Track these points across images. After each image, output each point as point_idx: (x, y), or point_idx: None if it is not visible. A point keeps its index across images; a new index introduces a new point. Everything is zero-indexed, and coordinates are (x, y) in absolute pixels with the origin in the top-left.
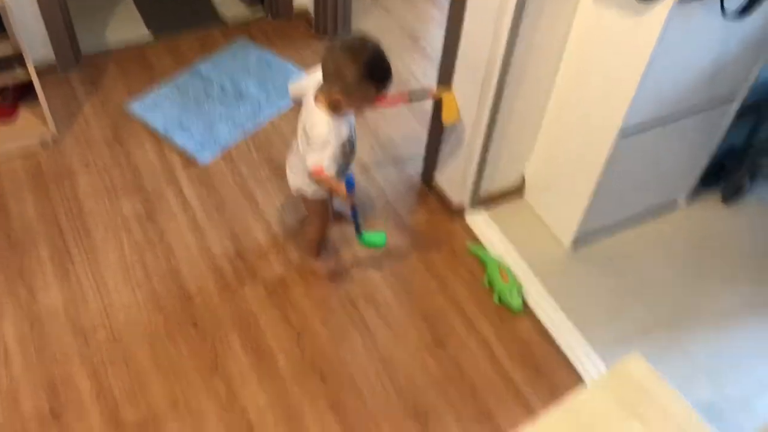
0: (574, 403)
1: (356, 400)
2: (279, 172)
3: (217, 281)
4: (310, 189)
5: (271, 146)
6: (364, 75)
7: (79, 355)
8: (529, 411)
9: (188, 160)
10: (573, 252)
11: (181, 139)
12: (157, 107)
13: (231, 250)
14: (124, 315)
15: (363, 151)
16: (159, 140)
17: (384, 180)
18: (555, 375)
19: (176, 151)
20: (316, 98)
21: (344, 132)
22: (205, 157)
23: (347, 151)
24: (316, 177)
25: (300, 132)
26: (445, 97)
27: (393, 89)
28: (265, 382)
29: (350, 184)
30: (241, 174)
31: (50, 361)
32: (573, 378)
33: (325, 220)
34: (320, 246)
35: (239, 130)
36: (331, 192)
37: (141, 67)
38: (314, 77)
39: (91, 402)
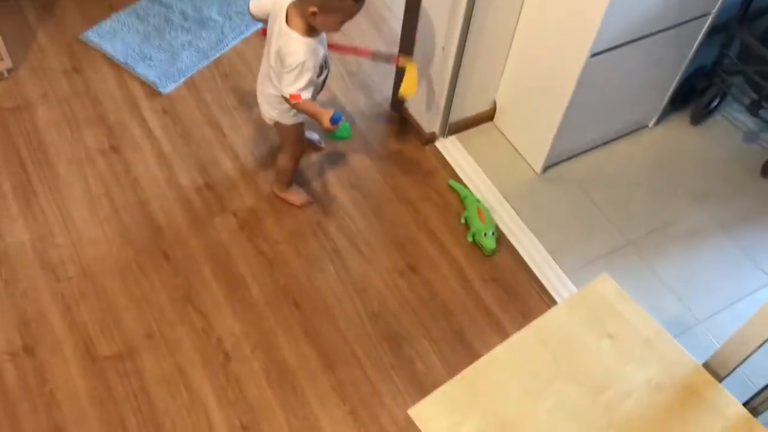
0: (544, 322)
1: (330, 325)
2: (245, 100)
3: (186, 213)
4: (286, 117)
5: (236, 74)
6: None
7: (50, 291)
8: (501, 332)
9: (151, 90)
10: (544, 175)
11: (142, 69)
12: (115, 35)
13: (199, 182)
14: (92, 249)
15: (331, 79)
16: (119, 69)
17: (353, 108)
18: (527, 297)
19: (138, 80)
20: (288, 19)
21: (320, 53)
22: (168, 86)
23: (323, 72)
24: (295, 105)
25: (272, 57)
26: (408, 68)
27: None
28: (239, 311)
29: (337, 119)
30: (206, 103)
31: (20, 297)
32: (545, 300)
33: (299, 147)
34: (293, 175)
35: (202, 58)
36: (313, 118)
37: None
38: None
39: (64, 336)
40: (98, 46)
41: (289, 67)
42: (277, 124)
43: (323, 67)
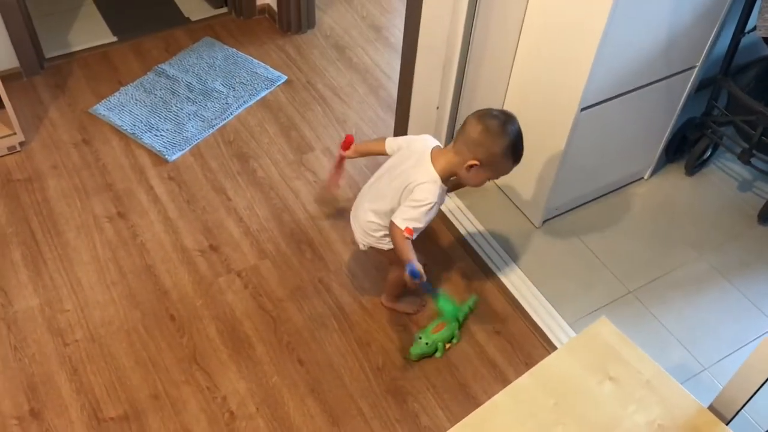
0: (545, 367)
1: (335, 381)
2: (248, 165)
3: (191, 275)
4: (382, 244)
5: (239, 140)
6: (510, 149)
7: (57, 355)
8: (506, 383)
9: (157, 158)
10: (543, 228)
11: (149, 139)
12: (123, 108)
13: (204, 244)
14: (100, 312)
15: (332, 141)
16: (127, 140)
17: (354, 168)
18: (530, 348)
19: (145, 149)
20: (433, 158)
21: (443, 198)
22: (175, 154)
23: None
24: (402, 237)
25: (394, 189)
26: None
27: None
28: (243, 369)
29: (415, 274)
30: (211, 169)
31: (29, 362)
32: (548, 350)
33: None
34: (402, 289)
35: (207, 127)
36: (401, 257)
37: (106, 69)
38: (423, 139)
39: (71, 400)
40: (107, 118)
41: (418, 203)
42: (378, 248)
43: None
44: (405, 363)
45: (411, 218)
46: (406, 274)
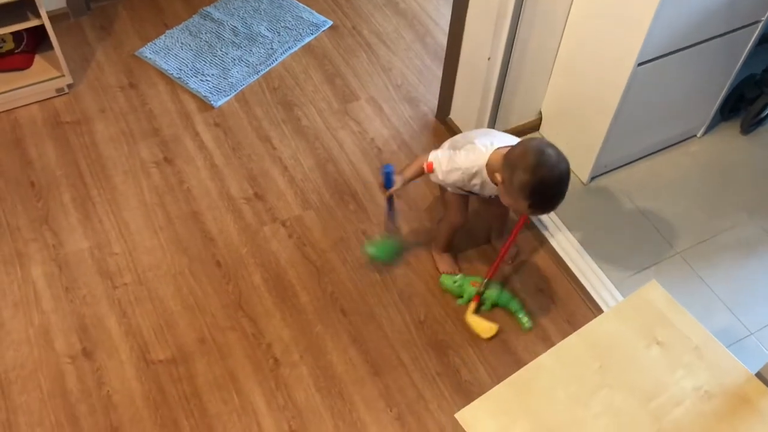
0: (592, 329)
1: (377, 332)
2: (293, 113)
3: (237, 222)
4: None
5: (284, 87)
6: (527, 188)
7: (107, 297)
8: (547, 341)
9: (203, 104)
10: (590, 185)
11: (195, 84)
12: (169, 52)
13: (250, 192)
14: (147, 257)
15: (377, 90)
16: (173, 84)
17: (399, 119)
18: (573, 307)
19: (190, 94)
20: (496, 153)
21: (473, 186)
22: (220, 100)
23: (472, 191)
24: (421, 159)
25: (462, 137)
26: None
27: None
28: (288, 318)
29: (387, 173)
30: (256, 116)
31: (80, 303)
32: (591, 310)
33: (457, 218)
34: (447, 242)
35: (252, 73)
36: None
37: (151, 12)
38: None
39: (120, 341)
40: (153, 62)
41: (458, 156)
42: (441, 188)
43: (477, 194)
44: (446, 317)
45: (439, 161)
46: (381, 174)
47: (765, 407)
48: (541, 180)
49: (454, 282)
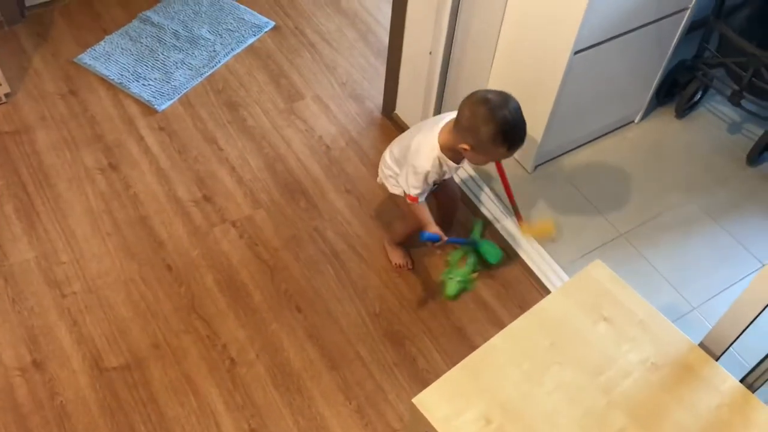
0: (541, 309)
1: (333, 327)
2: (238, 114)
3: (186, 225)
4: (389, 185)
5: (229, 89)
6: (498, 136)
7: (56, 306)
8: (500, 325)
9: (146, 108)
10: (535, 173)
11: (137, 88)
12: (109, 57)
13: (198, 194)
14: (96, 264)
15: (322, 89)
16: (114, 90)
17: (345, 116)
18: (524, 291)
19: (133, 99)
20: (441, 131)
21: (444, 173)
22: (164, 104)
23: (437, 181)
24: (411, 206)
25: (400, 146)
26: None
27: None
28: (242, 317)
29: (432, 239)
30: (201, 119)
31: (28, 314)
32: (541, 293)
33: (415, 225)
34: (402, 241)
35: (196, 75)
36: (421, 222)
37: (89, 18)
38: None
39: (72, 351)
40: (93, 68)
41: (414, 169)
42: (394, 194)
43: (438, 179)
44: (401, 308)
45: (410, 185)
46: (429, 228)
47: (708, 375)
48: (504, 121)
49: (458, 282)
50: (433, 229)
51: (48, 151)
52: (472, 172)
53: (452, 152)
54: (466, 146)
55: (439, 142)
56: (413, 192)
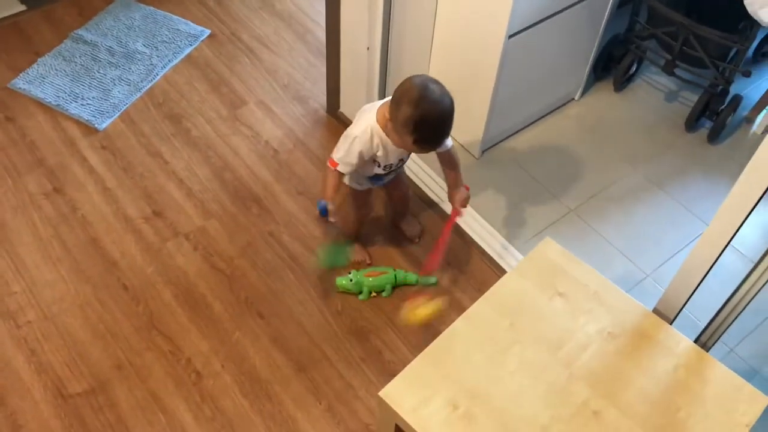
0: (497, 290)
1: (296, 330)
2: (182, 125)
3: (138, 243)
4: (349, 162)
5: (169, 101)
6: (410, 122)
7: (12, 338)
8: (460, 310)
9: (87, 128)
10: (482, 158)
11: (75, 109)
12: (44, 80)
13: (147, 211)
14: (50, 291)
15: (265, 93)
16: (52, 112)
17: (290, 118)
18: (481, 275)
19: (72, 120)
20: (382, 106)
21: (379, 151)
22: (104, 122)
23: (379, 167)
24: (327, 168)
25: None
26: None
27: None
28: (204, 330)
29: (324, 212)
30: (144, 134)
31: None
32: (498, 275)
33: (359, 211)
34: (353, 233)
35: (134, 91)
36: (323, 191)
37: (18, 41)
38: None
39: (32, 381)
40: (27, 92)
41: (345, 135)
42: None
43: (381, 164)
44: (362, 304)
45: (336, 148)
46: (327, 197)
47: (663, 339)
48: (424, 113)
49: (350, 280)
50: (330, 199)
51: None
52: (423, 164)
53: (385, 126)
54: (387, 115)
55: (377, 116)
56: (335, 155)
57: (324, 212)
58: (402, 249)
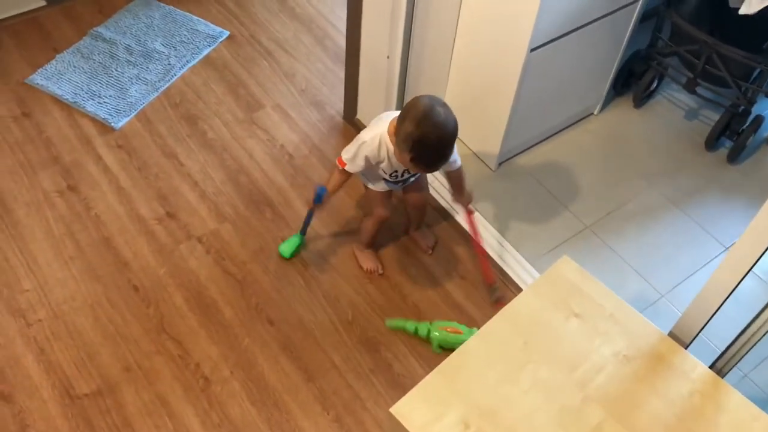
0: (512, 308)
1: (306, 338)
2: (198, 127)
3: (151, 244)
4: (357, 164)
5: (186, 102)
6: (409, 140)
7: (22, 336)
8: (473, 325)
9: (103, 126)
10: (499, 171)
11: (92, 107)
12: (62, 76)
13: (161, 212)
14: (61, 289)
15: (282, 97)
16: (69, 109)
17: (306, 123)
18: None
19: (89, 118)
20: (396, 118)
21: (383, 161)
22: (120, 121)
23: (389, 179)
24: (334, 167)
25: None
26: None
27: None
28: (214, 335)
29: (319, 197)
30: (160, 134)
31: None
32: (512, 290)
33: (379, 213)
34: (371, 238)
35: (152, 90)
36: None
37: (38, 38)
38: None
39: (41, 380)
40: (45, 88)
41: (356, 139)
42: (364, 186)
43: (387, 172)
44: (373, 314)
45: (346, 150)
46: (315, 193)
47: (678, 363)
48: (424, 134)
49: (418, 330)
50: (326, 195)
51: (3, 176)
52: (438, 175)
53: (395, 150)
54: (392, 129)
55: (389, 126)
56: (344, 155)
57: (318, 199)
58: (415, 259)
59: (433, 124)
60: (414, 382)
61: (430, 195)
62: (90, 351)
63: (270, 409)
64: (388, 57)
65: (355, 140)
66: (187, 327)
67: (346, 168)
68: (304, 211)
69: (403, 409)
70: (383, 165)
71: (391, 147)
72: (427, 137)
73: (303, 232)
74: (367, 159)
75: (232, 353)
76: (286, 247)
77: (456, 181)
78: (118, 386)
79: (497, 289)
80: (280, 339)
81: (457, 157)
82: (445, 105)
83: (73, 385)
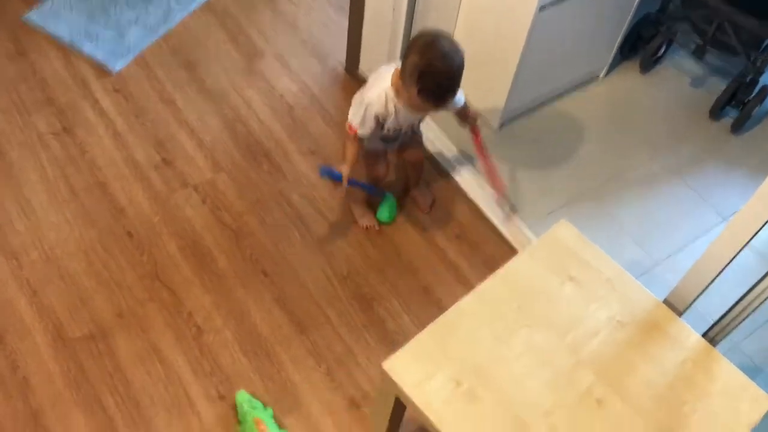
0: (508, 270)
1: (300, 291)
2: (197, 74)
3: (146, 191)
4: (367, 125)
5: (186, 48)
6: (416, 71)
7: (14, 278)
8: (468, 286)
9: (100, 69)
10: (501, 131)
11: (89, 48)
12: (59, 15)
13: (157, 158)
14: (54, 233)
15: (283, 46)
16: (66, 50)
17: (307, 74)
18: (491, 251)
19: (86, 60)
20: (397, 68)
21: (390, 114)
22: (118, 64)
23: (388, 135)
24: (347, 135)
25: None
26: None
27: None
28: (208, 284)
29: (328, 173)
30: (158, 79)
31: None
32: (507, 252)
33: (372, 170)
34: (365, 198)
35: (151, 34)
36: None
37: None
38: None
39: (33, 323)
40: (42, 27)
41: (360, 98)
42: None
43: (390, 131)
44: (369, 270)
45: (353, 114)
46: (348, 160)
47: (672, 331)
48: (429, 61)
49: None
50: (342, 169)
51: None
52: (438, 131)
53: (399, 88)
54: (399, 68)
55: (392, 79)
56: (354, 121)
57: (324, 173)
58: (412, 217)
59: (438, 53)
60: (407, 339)
61: (428, 152)
62: (83, 295)
63: (261, 359)
64: (393, 9)
65: (358, 103)
66: (180, 275)
67: (359, 133)
68: (301, 163)
69: (395, 364)
70: (389, 121)
71: (398, 101)
72: (433, 65)
73: (375, 192)
74: (376, 118)
75: (226, 303)
76: (385, 212)
77: (462, 113)
78: (110, 331)
79: (509, 202)
80: (274, 291)
81: (462, 96)
82: (451, 38)
83: (66, 328)
